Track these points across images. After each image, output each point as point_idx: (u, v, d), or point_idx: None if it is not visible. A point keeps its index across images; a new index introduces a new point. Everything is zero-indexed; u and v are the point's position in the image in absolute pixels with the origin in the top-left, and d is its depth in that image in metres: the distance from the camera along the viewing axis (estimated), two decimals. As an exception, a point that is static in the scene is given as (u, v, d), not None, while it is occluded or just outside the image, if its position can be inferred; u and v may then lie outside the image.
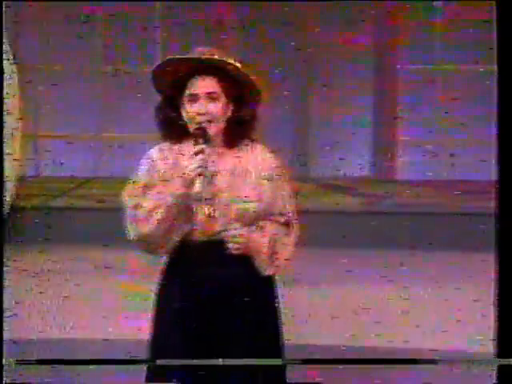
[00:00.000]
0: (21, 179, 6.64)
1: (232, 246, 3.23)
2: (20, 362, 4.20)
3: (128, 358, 4.05)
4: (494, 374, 3.93)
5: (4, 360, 4.06)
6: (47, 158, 7.46)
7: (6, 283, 5.17)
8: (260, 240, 3.29)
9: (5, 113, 5.46)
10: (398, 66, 7.51)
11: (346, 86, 7.30)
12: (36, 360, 4.29)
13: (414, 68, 7.49)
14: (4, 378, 4.05)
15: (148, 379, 3.41)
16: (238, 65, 3.28)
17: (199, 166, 3.21)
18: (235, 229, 3.23)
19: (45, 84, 7.30)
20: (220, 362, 3.36)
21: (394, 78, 7.47)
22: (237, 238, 3.23)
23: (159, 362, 3.49)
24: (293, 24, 7.34)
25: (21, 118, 6.54)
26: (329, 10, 7.14)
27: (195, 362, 3.35)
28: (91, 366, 4.25)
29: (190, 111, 3.27)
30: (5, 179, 4.39)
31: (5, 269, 5.55)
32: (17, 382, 4.19)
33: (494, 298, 3.93)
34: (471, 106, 7.23)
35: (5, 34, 6.03)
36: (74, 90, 7.47)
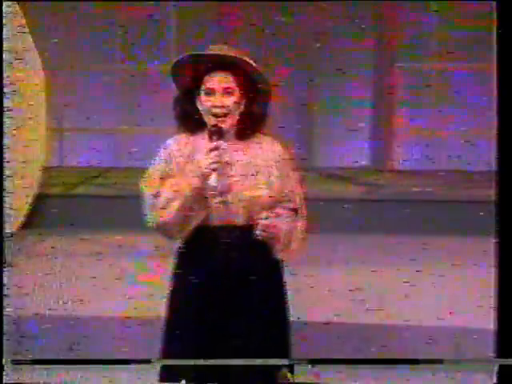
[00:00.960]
0: (46, 169, 6.59)
1: (260, 233, 3.22)
2: (19, 362, 4.11)
3: (127, 358, 3.99)
4: (494, 374, 3.80)
5: (4, 360, 3.98)
6: (71, 149, 7.43)
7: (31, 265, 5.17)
8: (280, 227, 3.28)
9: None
10: (398, 65, 7.44)
11: (346, 82, 7.25)
12: (34, 360, 4.19)
13: (411, 65, 7.43)
14: (4, 378, 3.97)
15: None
16: (253, 62, 3.27)
17: (214, 162, 3.21)
18: (266, 218, 3.22)
19: (69, 82, 7.28)
20: (225, 362, 3.36)
21: (392, 73, 7.42)
22: (266, 226, 3.23)
23: (158, 361, 3.51)
24: (296, 22, 7.28)
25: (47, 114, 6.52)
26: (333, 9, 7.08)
27: (196, 361, 3.36)
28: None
29: (207, 104, 3.26)
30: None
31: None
32: (17, 382, 4.08)
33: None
34: (465, 100, 7.18)
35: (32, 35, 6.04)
36: (96, 88, 7.44)
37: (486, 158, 7.01)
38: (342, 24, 7.28)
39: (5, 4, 5.87)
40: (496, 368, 3.81)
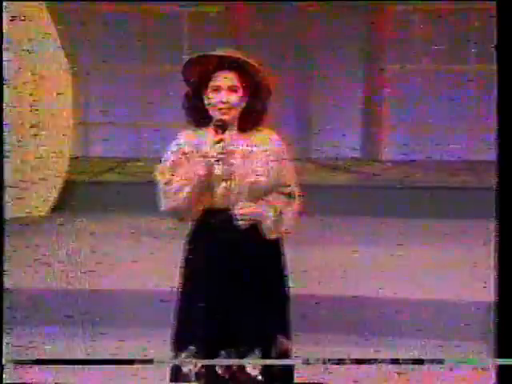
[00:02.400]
0: (73, 158, 6.59)
1: (241, 221, 3.24)
2: (19, 362, 3.86)
3: (127, 358, 3.83)
4: (494, 374, 3.48)
5: (4, 360, 3.66)
6: (96, 140, 7.44)
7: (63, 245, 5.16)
8: (266, 209, 3.27)
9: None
10: (385, 66, 7.41)
11: (340, 81, 7.23)
12: (35, 360, 3.98)
13: (398, 67, 7.39)
14: (4, 378, 3.62)
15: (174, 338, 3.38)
16: (254, 63, 3.25)
17: (219, 153, 3.20)
18: (240, 207, 3.24)
19: (95, 80, 7.28)
20: (229, 362, 3.33)
21: (381, 73, 7.39)
22: (241, 215, 3.24)
23: (160, 361, 3.50)
24: (294, 24, 7.26)
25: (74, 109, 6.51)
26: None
27: (198, 361, 3.34)
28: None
29: (214, 100, 3.24)
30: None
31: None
32: (17, 382, 3.84)
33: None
34: (446, 97, 7.16)
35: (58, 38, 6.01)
36: (119, 85, 7.44)
37: (465, 148, 7.07)
38: (337, 31, 7.26)
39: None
40: (496, 368, 3.48)
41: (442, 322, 4.37)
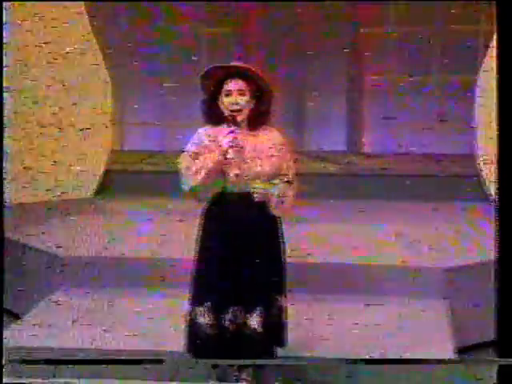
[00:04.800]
0: (111, 151, 6.55)
1: (254, 197, 3.25)
2: (20, 362, 3.41)
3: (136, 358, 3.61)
4: (494, 374, 3.09)
5: (4, 360, 3.23)
6: (130, 137, 7.42)
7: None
8: (271, 193, 3.27)
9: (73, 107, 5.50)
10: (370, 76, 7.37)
11: (328, 87, 7.21)
12: (35, 360, 3.52)
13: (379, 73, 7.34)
14: (4, 378, 3.18)
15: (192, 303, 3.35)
16: (259, 72, 3.27)
17: (231, 141, 3.21)
18: (255, 186, 3.25)
19: (129, 87, 7.26)
20: (235, 362, 3.32)
21: (362, 82, 7.35)
22: (256, 191, 3.25)
23: (170, 360, 3.44)
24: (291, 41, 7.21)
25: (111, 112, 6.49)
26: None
27: (206, 361, 3.37)
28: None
29: (226, 102, 3.26)
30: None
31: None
32: (17, 382, 3.39)
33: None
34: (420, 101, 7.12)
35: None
36: (149, 92, 7.43)
37: (432, 143, 7.05)
38: (325, 46, 7.22)
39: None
40: (496, 368, 3.08)
41: (408, 283, 4.32)
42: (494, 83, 5.68)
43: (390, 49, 7.31)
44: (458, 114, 6.68)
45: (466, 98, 6.16)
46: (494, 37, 5.72)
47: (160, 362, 3.39)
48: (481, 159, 6.01)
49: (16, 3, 5.64)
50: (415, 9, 7.02)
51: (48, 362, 3.49)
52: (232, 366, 3.39)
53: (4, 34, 4.97)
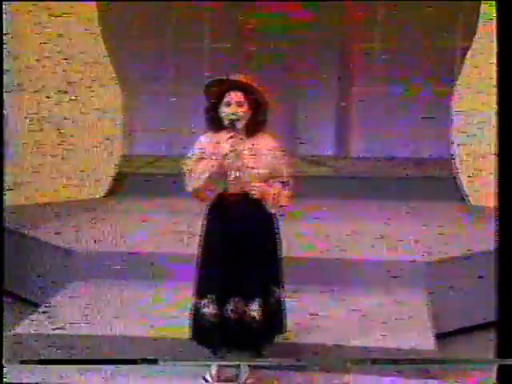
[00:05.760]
0: (123, 156, 6.51)
1: (252, 194, 3.24)
2: (20, 362, 3.29)
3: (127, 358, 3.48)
4: (494, 374, 2.90)
5: (4, 360, 3.10)
6: (139, 143, 7.41)
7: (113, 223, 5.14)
8: (268, 191, 3.26)
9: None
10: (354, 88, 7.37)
11: (319, 99, 7.21)
12: (35, 360, 3.36)
13: (365, 87, 7.34)
14: (4, 378, 3.03)
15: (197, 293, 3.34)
16: (256, 85, 3.26)
17: (231, 146, 3.20)
18: (254, 185, 3.24)
19: (138, 100, 7.28)
20: (235, 363, 3.32)
21: (350, 93, 7.35)
22: (255, 189, 3.24)
23: (165, 362, 3.37)
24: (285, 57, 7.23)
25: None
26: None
27: (206, 361, 3.37)
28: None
29: (226, 112, 3.24)
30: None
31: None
32: (17, 382, 3.20)
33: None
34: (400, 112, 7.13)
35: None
36: (156, 103, 7.43)
37: (412, 148, 7.07)
38: (316, 62, 7.23)
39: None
40: (496, 368, 2.89)
41: (391, 275, 4.32)
42: (468, 93, 5.79)
43: (374, 63, 7.32)
44: (436, 122, 6.69)
45: (443, 108, 6.15)
46: (469, 52, 5.79)
47: (155, 362, 3.32)
48: (457, 163, 6.02)
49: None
50: (398, 27, 7.04)
51: (48, 362, 3.36)
52: (231, 351, 3.39)
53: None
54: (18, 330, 3.71)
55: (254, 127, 3.28)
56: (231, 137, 3.19)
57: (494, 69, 5.42)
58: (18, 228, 4.95)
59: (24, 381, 3.25)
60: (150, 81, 7.40)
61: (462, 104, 5.86)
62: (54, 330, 3.69)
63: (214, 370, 3.39)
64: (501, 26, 2.95)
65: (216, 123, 3.28)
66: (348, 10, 7.26)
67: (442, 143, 6.43)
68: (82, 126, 6.06)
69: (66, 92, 5.90)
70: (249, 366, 3.38)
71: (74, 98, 5.96)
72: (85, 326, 3.77)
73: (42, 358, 3.50)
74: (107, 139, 6.21)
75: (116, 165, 6.41)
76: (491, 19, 5.45)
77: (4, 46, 5.02)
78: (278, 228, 3.36)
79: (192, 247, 3.47)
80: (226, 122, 3.24)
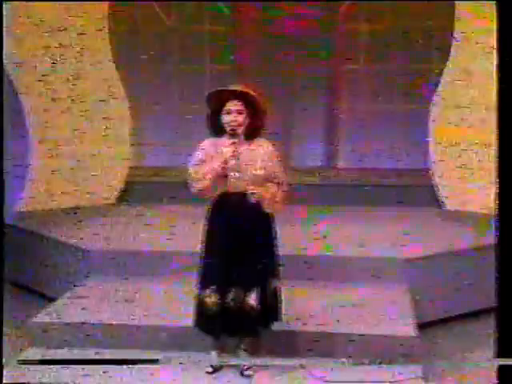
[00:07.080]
0: (131, 167, 6.47)
1: (251, 196, 3.21)
2: (19, 362, 3.07)
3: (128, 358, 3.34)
4: (494, 373, 2.72)
5: (4, 360, 2.90)
6: (146, 155, 7.37)
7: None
8: (265, 195, 3.24)
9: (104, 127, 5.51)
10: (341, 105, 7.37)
11: (308, 112, 7.18)
12: (35, 360, 3.16)
13: (351, 105, 7.33)
14: (4, 378, 2.81)
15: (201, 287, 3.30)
16: (255, 95, 3.24)
17: (232, 151, 3.19)
18: (252, 188, 3.21)
19: (145, 116, 7.25)
20: (232, 362, 3.28)
21: (338, 109, 7.36)
22: (253, 194, 3.21)
23: (165, 361, 3.30)
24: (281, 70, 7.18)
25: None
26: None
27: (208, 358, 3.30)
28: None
29: (227, 120, 3.23)
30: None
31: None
32: (17, 382, 2.98)
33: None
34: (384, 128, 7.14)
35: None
36: (162, 117, 7.41)
37: (394, 160, 7.08)
38: (308, 80, 7.23)
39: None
40: (496, 368, 2.72)
41: (375, 271, 4.29)
42: (443, 109, 5.80)
43: (360, 82, 7.33)
44: (414, 136, 6.69)
45: (421, 123, 6.16)
46: (444, 71, 5.81)
47: (155, 361, 3.24)
48: (433, 172, 6.05)
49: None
50: (381, 49, 7.08)
51: (48, 362, 3.16)
52: (232, 336, 3.35)
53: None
54: (38, 318, 3.70)
55: (252, 133, 3.27)
56: (232, 142, 3.19)
57: (468, 85, 5.41)
58: (38, 230, 4.95)
59: (24, 381, 3.03)
60: (156, 101, 7.40)
61: (438, 120, 5.89)
62: (67, 320, 3.66)
63: (213, 353, 3.36)
64: (501, 26, 2.76)
65: (217, 130, 3.28)
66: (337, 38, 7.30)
67: (420, 155, 6.43)
68: (92, 140, 6.06)
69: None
70: (247, 353, 3.34)
71: (83, 110, 5.95)
72: (101, 315, 3.75)
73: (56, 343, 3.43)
74: (117, 153, 6.23)
75: (125, 175, 6.40)
76: (464, 32, 5.46)
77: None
78: (274, 225, 3.34)
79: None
80: (227, 129, 3.23)
